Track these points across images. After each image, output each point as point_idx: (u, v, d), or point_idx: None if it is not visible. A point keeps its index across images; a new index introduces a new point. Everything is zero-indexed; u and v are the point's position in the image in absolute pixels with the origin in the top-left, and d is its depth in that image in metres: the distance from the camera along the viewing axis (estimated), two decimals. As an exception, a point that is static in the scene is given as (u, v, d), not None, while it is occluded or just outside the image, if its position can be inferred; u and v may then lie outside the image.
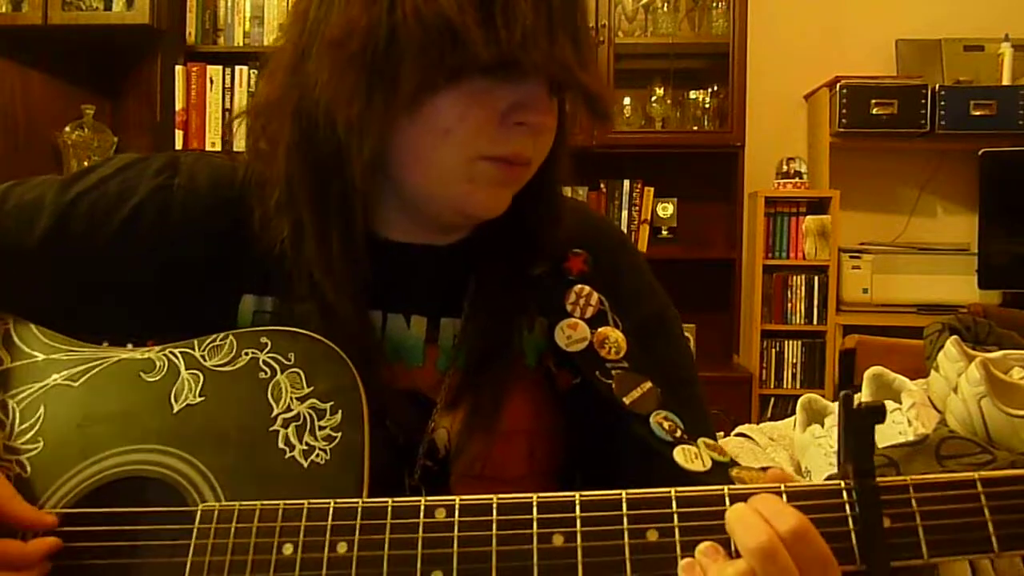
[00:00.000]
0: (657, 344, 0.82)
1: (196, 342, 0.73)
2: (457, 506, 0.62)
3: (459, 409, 0.76)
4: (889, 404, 1.45)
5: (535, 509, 0.61)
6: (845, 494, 0.59)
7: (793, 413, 1.65)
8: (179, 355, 0.73)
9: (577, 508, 0.61)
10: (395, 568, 0.61)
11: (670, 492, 0.61)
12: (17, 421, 0.74)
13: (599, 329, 0.79)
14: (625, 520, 0.60)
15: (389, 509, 0.62)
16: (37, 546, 0.67)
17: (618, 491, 0.61)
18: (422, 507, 0.62)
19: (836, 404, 1.66)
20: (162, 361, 0.73)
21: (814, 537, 0.56)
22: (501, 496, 0.62)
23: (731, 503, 0.60)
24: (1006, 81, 3.24)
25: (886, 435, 1.40)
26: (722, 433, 1.71)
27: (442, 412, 0.77)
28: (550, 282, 0.80)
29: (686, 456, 0.71)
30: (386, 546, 0.61)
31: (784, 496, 0.59)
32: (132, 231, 0.78)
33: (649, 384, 0.76)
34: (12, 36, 2.93)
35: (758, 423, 1.83)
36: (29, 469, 0.72)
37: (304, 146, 0.73)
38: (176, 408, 0.71)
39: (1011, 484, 0.59)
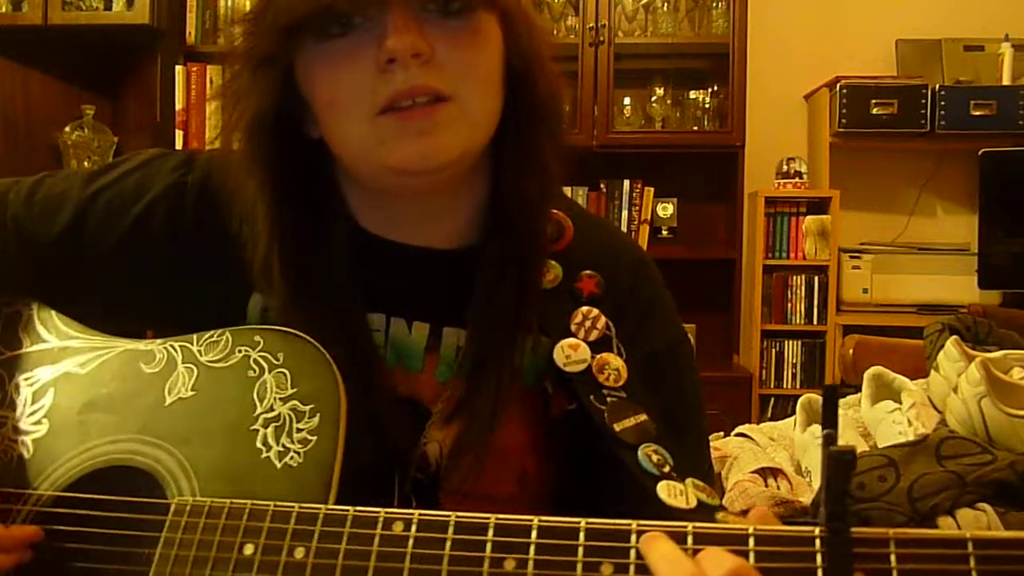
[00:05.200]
0: (664, 380, 0.80)
1: (195, 337, 0.74)
2: (415, 521, 0.61)
3: (454, 423, 0.76)
4: (889, 404, 1.45)
5: (491, 531, 0.59)
6: (817, 542, 0.55)
7: (793, 413, 1.65)
8: (178, 348, 0.74)
9: (534, 533, 0.59)
10: None
11: (631, 525, 0.58)
12: (28, 403, 0.76)
13: (601, 354, 0.77)
14: (580, 551, 0.57)
15: (349, 518, 0.62)
16: (19, 532, 0.69)
17: (578, 519, 0.59)
18: (380, 519, 0.61)
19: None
20: (162, 353, 0.74)
21: None
22: (460, 514, 0.60)
23: (695, 541, 0.56)
24: (1006, 81, 3.24)
25: (886, 435, 1.40)
26: (722, 433, 1.71)
27: (436, 425, 0.76)
28: (558, 301, 0.79)
29: (670, 492, 0.68)
30: (340, 556, 0.61)
31: (751, 539, 0.55)
32: (144, 227, 0.80)
33: (644, 417, 0.74)
34: (12, 36, 2.93)
35: (758, 423, 1.84)
36: (32, 450, 0.75)
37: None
38: (169, 400, 0.72)
39: (1007, 547, 0.53)
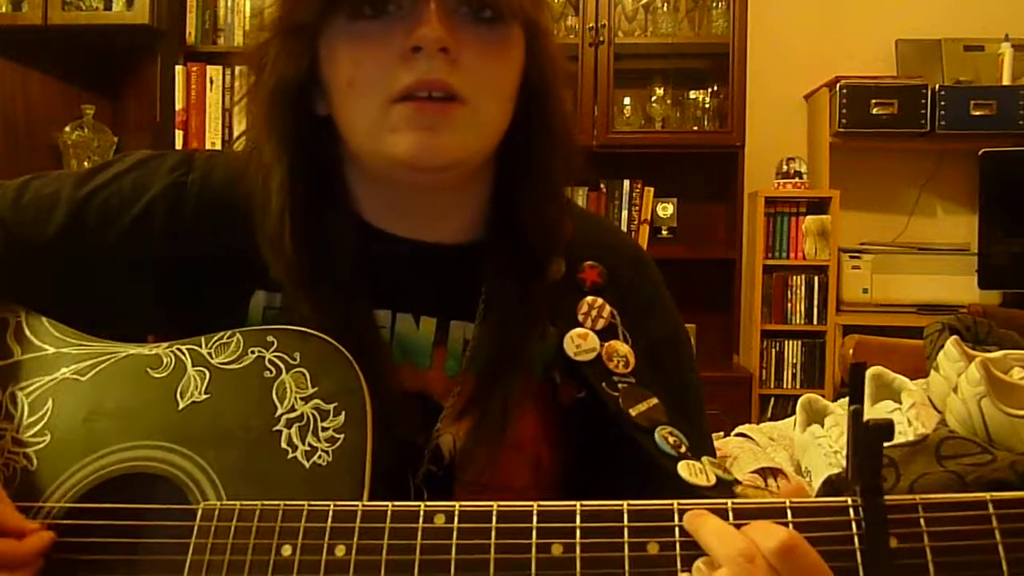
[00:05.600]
0: (665, 368, 0.81)
1: (203, 339, 0.73)
2: (456, 512, 0.61)
3: (467, 417, 0.76)
4: (889, 404, 1.45)
5: (535, 517, 0.60)
6: (852, 511, 0.58)
7: (793, 413, 1.65)
8: (186, 352, 0.73)
9: (577, 518, 0.60)
10: (393, 573, 0.60)
11: (672, 504, 0.59)
12: (26, 414, 0.74)
13: (609, 342, 0.78)
14: (626, 532, 0.59)
15: (388, 513, 0.62)
16: (31, 544, 0.67)
17: (620, 502, 0.60)
18: (421, 512, 0.61)
19: (836, 405, 1.66)
20: (169, 358, 0.73)
21: (804, 552, 0.55)
22: (501, 504, 0.61)
23: (735, 517, 0.58)
24: (1006, 81, 3.23)
25: (886, 435, 1.40)
26: (722, 433, 1.71)
27: (449, 419, 0.76)
28: (563, 292, 0.80)
29: (691, 471, 0.70)
30: (384, 551, 0.61)
31: (789, 511, 0.58)
32: (144, 227, 0.79)
33: (655, 400, 0.76)
34: (12, 36, 2.93)
35: (758, 423, 1.84)
36: (36, 462, 0.72)
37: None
38: (182, 405, 0.71)
39: (1023, 506, 0.57)
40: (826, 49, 3.50)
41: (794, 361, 3.33)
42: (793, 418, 1.65)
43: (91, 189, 0.80)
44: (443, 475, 0.76)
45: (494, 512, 0.61)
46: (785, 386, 3.33)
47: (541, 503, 0.61)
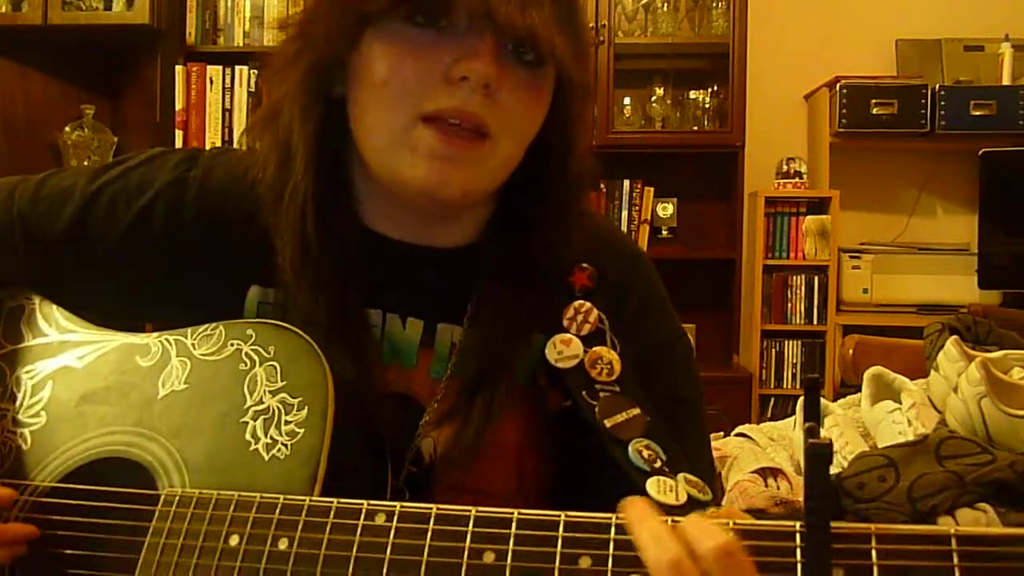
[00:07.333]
0: (660, 373, 0.80)
1: (190, 330, 0.75)
2: (397, 512, 0.61)
3: (449, 422, 0.76)
4: (889, 404, 1.45)
5: (471, 523, 0.60)
6: (797, 537, 0.54)
7: (793, 413, 1.65)
8: (172, 342, 0.75)
9: (513, 526, 0.59)
10: (329, 569, 0.61)
11: (611, 518, 0.58)
12: (28, 396, 0.78)
13: (593, 348, 0.77)
14: (559, 543, 0.58)
15: (333, 509, 0.63)
16: (17, 529, 0.70)
17: (559, 512, 0.59)
18: (363, 510, 0.62)
19: (836, 405, 1.67)
20: (157, 347, 0.75)
21: (741, 561, 0.52)
22: (440, 506, 0.61)
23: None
24: (1006, 81, 3.24)
25: (886, 435, 1.40)
26: (721, 433, 1.71)
27: (431, 422, 0.76)
28: (550, 295, 0.79)
29: (660, 488, 0.68)
30: (323, 546, 0.61)
31: (731, 533, 0.54)
32: (147, 222, 0.81)
33: (637, 411, 0.74)
34: (12, 36, 2.93)
35: (758, 423, 1.84)
36: (29, 442, 0.76)
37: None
38: (162, 393, 0.73)
39: (990, 544, 0.51)
40: (826, 49, 3.50)
41: (794, 361, 3.34)
42: (793, 418, 1.65)
43: (100, 184, 0.83)
44: (423, 477, 0.76)
45: (432, 514, 0.61)
46: (785, 386, 3.33)
47: (480, 508, 0.60)
